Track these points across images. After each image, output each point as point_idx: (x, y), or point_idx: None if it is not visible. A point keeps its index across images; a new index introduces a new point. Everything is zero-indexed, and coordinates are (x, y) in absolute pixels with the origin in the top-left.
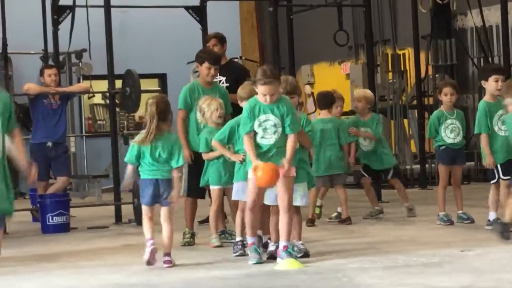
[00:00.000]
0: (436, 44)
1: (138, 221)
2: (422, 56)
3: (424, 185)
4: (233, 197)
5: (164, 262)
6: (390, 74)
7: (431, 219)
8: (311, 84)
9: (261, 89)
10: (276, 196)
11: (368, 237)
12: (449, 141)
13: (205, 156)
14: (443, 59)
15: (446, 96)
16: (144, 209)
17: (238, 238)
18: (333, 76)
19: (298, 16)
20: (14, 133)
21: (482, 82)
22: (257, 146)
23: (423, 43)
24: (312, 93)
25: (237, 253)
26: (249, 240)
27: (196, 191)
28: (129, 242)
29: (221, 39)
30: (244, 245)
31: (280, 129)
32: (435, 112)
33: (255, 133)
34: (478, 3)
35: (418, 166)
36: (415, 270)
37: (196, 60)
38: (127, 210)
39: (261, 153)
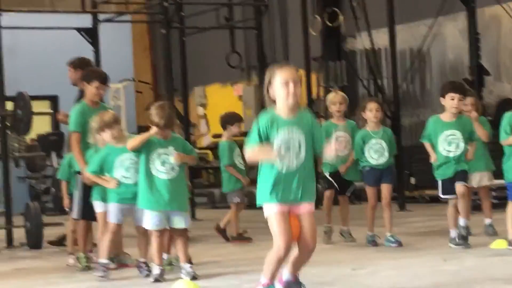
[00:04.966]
0: (327, 66)
1: (31, 245)
2: (314, 77)
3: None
4: (111, 220)
5: None
6: None
7: (322, 239)
8: (204, 106)
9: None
10: (160, 220)
11: (261, 256)
12: (373, 162)
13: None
14: (333, 81)
15: (371, 112)
16: None
17: (104, 261)
18: (225, 97)
19: (191, 38)
20: None
21: (441, 98)
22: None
23: (314, 65)
24: (205, 114)
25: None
26: None
27: (90, 213)
28: (21, 266)
29: (76, 65)
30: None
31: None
32: (360, 132)
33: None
34: (367, 26)
35: None
36: None
37: (83, 78)
38: (19, 234)
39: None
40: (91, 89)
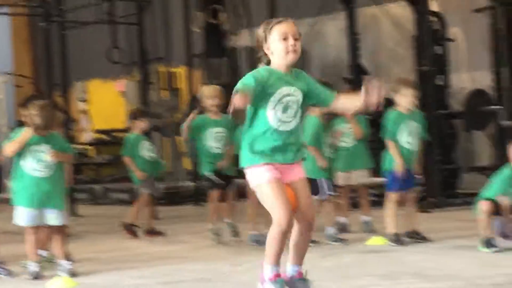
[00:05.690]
0: (209, 63)
1: None
2: (197, 74)
3: (198, 202)
4: None
5: None
6: (165, 91)
7: (204, 235)
8: (85, 101)
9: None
10: (33, 217)
11: (143, 253)
12: None
13: None
14: (216, 78)
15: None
16: None
17: None
18: (107, 93)
19: (73, 33)
20: None
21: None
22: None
23: (197, 62)
24: (86, 109)
25: None
26: None
27: None
28: None
29: None
30: None
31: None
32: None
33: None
34: (249, 24)
35: (192, 183)
36: (188, 285)
37: None
38: None
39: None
40: None
